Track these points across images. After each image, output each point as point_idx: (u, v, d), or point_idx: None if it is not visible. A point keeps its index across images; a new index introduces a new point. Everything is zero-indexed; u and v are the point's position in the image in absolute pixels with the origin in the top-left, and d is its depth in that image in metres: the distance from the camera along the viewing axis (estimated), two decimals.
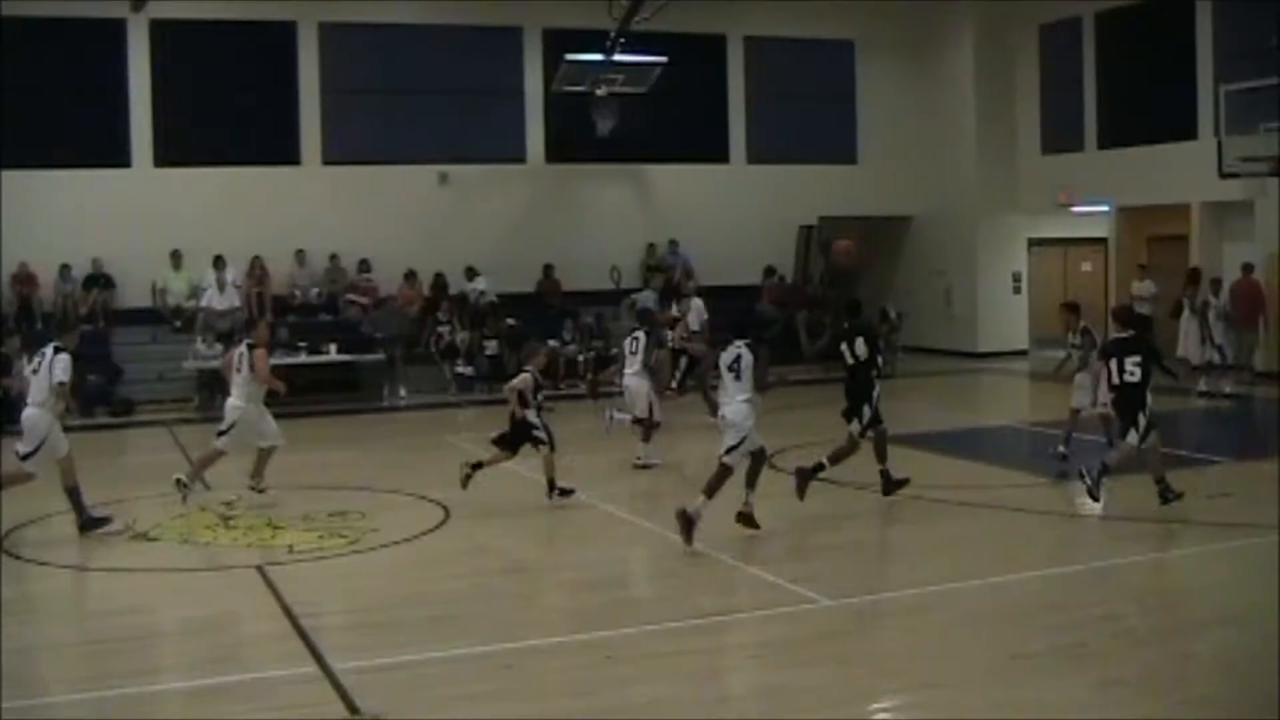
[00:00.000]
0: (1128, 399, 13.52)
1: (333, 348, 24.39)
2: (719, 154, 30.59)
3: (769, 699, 8.11)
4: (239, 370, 14.89)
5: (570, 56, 26.20)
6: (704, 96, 30.32)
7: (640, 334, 17.49)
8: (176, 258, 25.69)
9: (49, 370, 13.11)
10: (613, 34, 25.47)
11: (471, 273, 27.27)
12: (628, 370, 17.26)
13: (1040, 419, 19.93)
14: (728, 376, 12.62)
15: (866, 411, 13.85)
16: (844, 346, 14.06)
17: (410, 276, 26.93)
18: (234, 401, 14.95)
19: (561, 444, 15.81)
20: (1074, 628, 9.64)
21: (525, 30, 28.72)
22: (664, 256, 29.32)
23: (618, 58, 25.91)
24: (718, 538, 12.35)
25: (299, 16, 27.02)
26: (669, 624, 9.73)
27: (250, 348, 14.93)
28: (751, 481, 12.48)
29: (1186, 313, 24.87)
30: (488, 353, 25.74)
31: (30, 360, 13.79)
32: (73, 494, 13.21)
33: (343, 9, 27.33)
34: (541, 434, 14.26)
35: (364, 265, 26.91)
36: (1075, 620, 9.91)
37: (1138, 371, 13.42)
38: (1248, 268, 23.80)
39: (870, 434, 13.97)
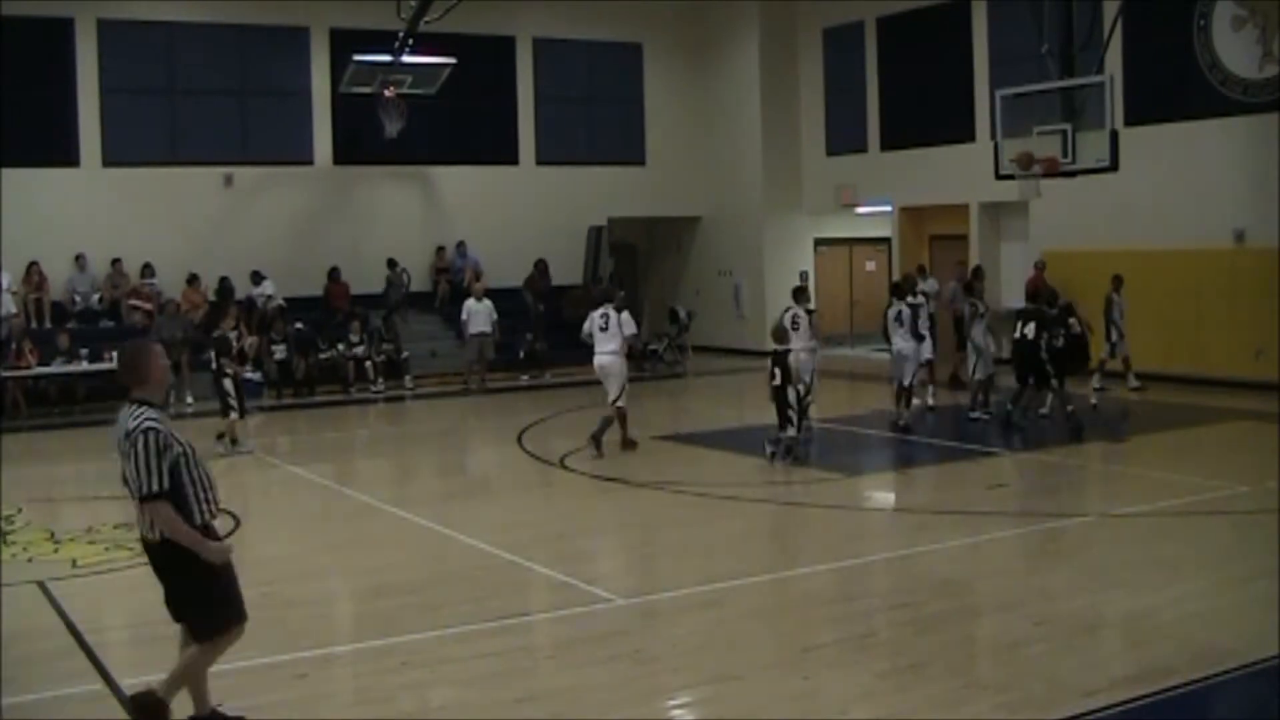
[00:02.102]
0: (1026, 356, 17.85)
1: (115, 355, 23.64)
2: (508, 156, 30.55)
3: (565, 698, 8.15)
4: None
5: (358, 57, 25.91)
6: (493, 98, 30.24)
7: (904, 308, 18.51)
8: None
9: (619, 326, 16.65)
10: (401, 35, 25.29)
11: (257, 276, 26.81)
12: (903, 341, 18.51)
13: (828, 415, 20.33)
14: (894, 326, 18.11)
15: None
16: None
17: (193, 280, 26.30)
18: None
19: (344, 450, 15.70)
20: (861, 618, 9.91)
21: (312, 30, 28.32)
22: (452, 259, 29.23)
23: (406, 59, 25.72)
24: (510, 541, 12.40)
25: (76, 13, 26.12)
26: (464, 627, 9.72)
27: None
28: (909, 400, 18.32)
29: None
30: (276, 357, 25.36)
31: (592, 318, 16.98)
32: (621, 419, 16.75)
33: (123, 6, 26.62)
34: (792, 413, 15.96)
35: (147, 270, 26.24)
36: (863, 610, 10.20)
37: (1033, 331, 17.70)
38: (1040, 265, 24.56)
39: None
